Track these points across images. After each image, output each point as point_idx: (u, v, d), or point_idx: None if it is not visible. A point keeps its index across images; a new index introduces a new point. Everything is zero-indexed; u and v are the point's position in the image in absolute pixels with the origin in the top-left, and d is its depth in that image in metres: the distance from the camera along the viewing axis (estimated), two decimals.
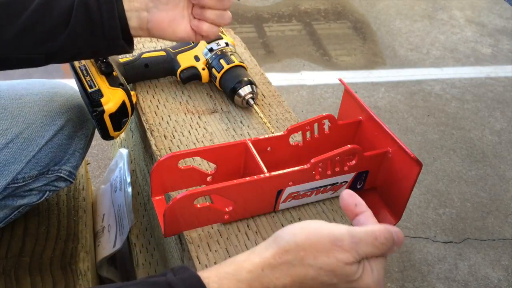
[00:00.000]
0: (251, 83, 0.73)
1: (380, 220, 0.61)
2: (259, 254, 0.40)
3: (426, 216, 1.46)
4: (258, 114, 0.72)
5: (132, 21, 0.58)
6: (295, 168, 0.53)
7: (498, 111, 1.96)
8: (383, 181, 0.60)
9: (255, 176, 0.52)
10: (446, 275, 1.30)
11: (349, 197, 0.44)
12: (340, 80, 0.66)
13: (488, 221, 1.47)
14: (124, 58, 0.76)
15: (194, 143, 0.68)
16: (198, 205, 0.51)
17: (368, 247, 0.40)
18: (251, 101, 0.73)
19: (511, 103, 2.02)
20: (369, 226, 0.42)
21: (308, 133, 0.61)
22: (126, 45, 0.58)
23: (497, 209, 1.51)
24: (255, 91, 0.74)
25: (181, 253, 0.59)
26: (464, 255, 1.36)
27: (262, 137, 0.59)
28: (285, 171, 0.53)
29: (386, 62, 2.21)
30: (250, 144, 0.57)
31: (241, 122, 0.72)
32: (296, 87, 1.98)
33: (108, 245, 0.84)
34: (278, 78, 2.02)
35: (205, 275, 0.38)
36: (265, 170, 0.53)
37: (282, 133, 0.59)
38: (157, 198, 0.58)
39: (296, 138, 0.62)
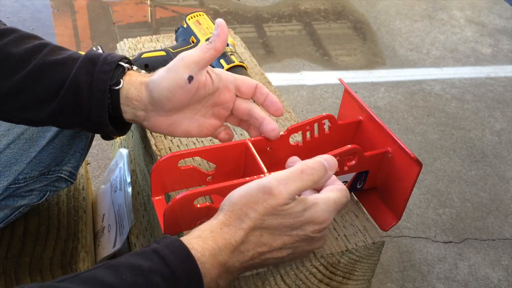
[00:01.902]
0: None
1: (380, 220, 0.61)
2: (214, 219, 0.46)
3: (426, 216, 1.46)
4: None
5: (127, 115, 0.55)
6: None
7: (498, 111, 1.96)
8: (383, 181, 0.61)
9: (255, 176, 0.52)
10: (446, 275, 1.30)
11: (290, 159, 0.52)
12: (340, 80, 0.66)
13: (488, 221, 1.47)
14: None
15: (194, 143, 0.68)
16: (198, 205, 0.51)
17: (297, 183, 0.45)
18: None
19: (511, 103, 2.02)
20: (296, 164, 0.47)
21: (308, 133, 0.61)
22: (115, 131, 0.56)
23: (497, 209, 1.51)
24: None
25: None
26: (464, 255, 1.36)
27: (262, 137, 0.59)
28: (285, 171, 0.53)
29: (386, 62, 2.21)
30: (250, 144, 0.57)
31: None
32: (296, 87, 1.98)
33: (108, 245, 0.84)
34: (278, 78, 2.02)
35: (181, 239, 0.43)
36: (265, 170, 0.53)
37: (282, 133, 0.59)
38: (157, 198, 0.58)
39: (296, 138, 0.62)
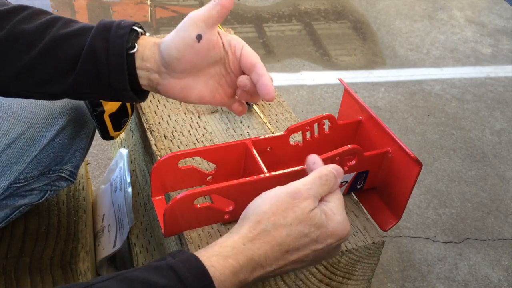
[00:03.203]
0: None
1: (380, 220, 0.61)
2: (236, 232, 0.44)
3: (426, 216, 1.46)
4: (258, 114, 0.72)
5: (142, 80, 0.55)
6: (295, 168, 0.53)
7: (498, 111, 1.96)
8: (383, 181, 0.61)
9: (255, 176, 0.52)
10: (446, 275, 1.30)
11: (310, 158, 0.51)
12: (340, 80, 0.66)
13: (488, 221, 1.47)
14: None
15: (194, 143, 0.68)
16: (198, 205, 0.51)
17: (319, 187, 0.46)
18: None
19: (511, 103, 2.02)
20: (313, 172, 0.48)
21: (308, 133, 0.61)
22: (135, 96, 0.56)
23: (497, 209, 1.51)
24: None
25: None
26: (464, 255, 1.36)
27: (262, 137, 0.59)
28: (285, 171, 0.53)
29: (386, 62, 2.21)
30: (250, 144, 0.57)
31: (241, 122, 0.72)
32: (296, 87, 1.98)
33: (108, 245, 0.84)
34: (278, 78, 2.02)
35: (198, 255, 0.42)
36: (265, 170, 0.53)
37: (282, 133, 0.59)
38: (157, 198, 0.58)
39: (296, 138, 0.62)
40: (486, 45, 2.41)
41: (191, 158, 0.63)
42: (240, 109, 0.58)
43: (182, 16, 2.17)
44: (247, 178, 0.51)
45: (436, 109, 1.93)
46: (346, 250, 0.55)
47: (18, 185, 0.67)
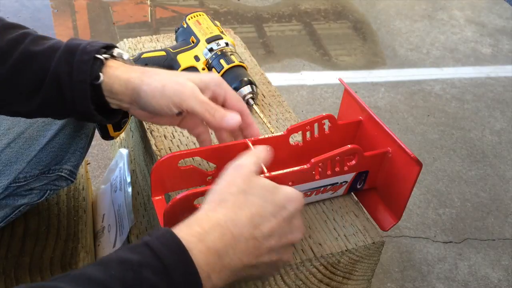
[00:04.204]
0: (251, 83, 0.73)
1: (380, 219, 0.61)
2: (199, 210, 0.46)
3: (426, 216, 1.46)
4: (258, 114, 0.72)
5: (113, 105, 0.55)
6: (295, 168, 0.53)
7: (498, 111, 1.96)
8: (383, 181, 0.61)
9: None
10: (446, 275, 1.30)
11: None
12: (340, 80, 0.66)
13: (488, 221, 1.47)
14: None
15: (194, 143, 0.68)
16: (199, 205, 0.51)
17: (253, 156, 0.50)
18: (251, 101, 0.73)
19: (511, 103, 2.02)
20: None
21: (308, 133, 0.61)
22: (104, 118, 0.55)
23: (497, 209, 1.51)
24: (255, 91, 0.74)
25: None
26: (464, 255, 1.36)
27: (262, 137, 0.59)
28: (285, 171, 0.53)
29: (386, 62, 2.21)
30: (250, 144, 0.57)
31: None
32: (296, 87, 1.98)
33: (108, 245, 0.84)
34: (278, 78, 2.02)
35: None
36: (265, 170, 0.53)
37: (282, 133, 0.59)
38: (157, 198, 0.58)
39: (296, 138, 0.62)
40: (486, 45, 2.41)
41: (191, 158, 0.63)
42: (205, 140, 0.60)
43: (181, 16, 2.17)
44: None
45: (436, 109, 1.93)
46: (346, 250, 0.55)
47: (17, 184, 0.67)
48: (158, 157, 0.65)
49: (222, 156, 0.58)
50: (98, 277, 0.37)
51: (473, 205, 1.52)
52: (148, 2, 2.49)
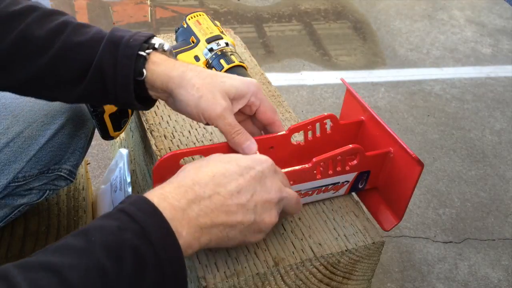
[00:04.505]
0: None
1: (381, 220, 0.61)
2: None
3: (426, 216, 1.46)
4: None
5: (153, 96, 0.57)
6: (297, 167, 0.53)
7: (498, 111, 1.96)
8: (384, 181, 0.61)
9: None
10: (446, 275, 1.30)
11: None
12: (342, 80, 0.66)
13: (488, 221, 1.47)
14: None
15: (194, 143, 0.68)
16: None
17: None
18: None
19: (511, 103, 2.02)
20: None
21: (310, 133, 0.61)
22: (143, 106, 0.57)
23: (497, 209, 1.51)
24: None
25: None
26: (464, 255, 1.36)
27: (264, 136, 0.59)
28: (286, 170, 0.53)
29: (386, 62, 2.21)
30: None
31: None
32: (296, 87, 1.98)
33: None
34: (278, 78, 2.02)
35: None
36: None
37: (284, 132, 0.59)
38: None
39: (297, 138, 0.62)
40: (486, 45, 2.41)
41: (191, 157, 0.63)
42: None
43: (181, 16, 2.17)
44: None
45: (436, 109, 1.93)
46: (346, 250, 0.55)
47: (16, 184, 0.67)
48: (158, 157, 0.65)
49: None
50: (80, 244, 0.37)
51: (473, 205, 1.52)
52: (148, 2, 2.49)
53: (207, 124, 0.56)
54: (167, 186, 0.45)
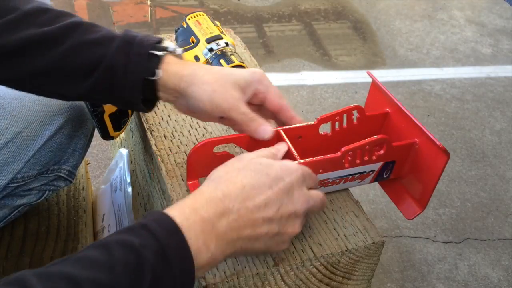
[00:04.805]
0: None
1: (404, 208, 0.63)
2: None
3: (426, 216, 1.46)
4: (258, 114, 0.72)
5: (162, 98, 0.57)
6: (327, 156, 0.55)
7: (498, 111, 1.96)
8: (409, 171, 0.62)
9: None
10: (446, 275, 1.30)
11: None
12: (368, 73, 0.67)
13: (488, 221, 1.47)
14: None
15: (194, 143, 0.68)
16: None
17: (262, 151, 0.53)
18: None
19: (511, 103, 2.02)
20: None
21: (337, 124, 0.63)
22: (146, 108, 0.58)
23: (497, 209, 1.51)
24: None
25: None
26: (464, 255, 1.36)
27: (293, 126, 0.60)
28: (317, 158, 0.54)
29: (386, 62, 2.21)
30: (282, 133, 0.58)
31: None
32: (296, 87, 1.98)
33: None
34: (278, 78, 2.02)
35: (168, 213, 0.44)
36: (298, 157, 0.54)
37: (313, 122, 0.61)
38: (190, 182, 0.60)
39: (323, 129, 0.63)
40: (486, 45, 2.41)
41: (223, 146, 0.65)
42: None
43: (181, 16, 2.17)
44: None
45: (436, 109, 1.93)
46: (346, 250, 0.55)
47: (15, 184, 0.67)
48: (158, 157, 0.65)
49: (255, 143, 0.59)
50: (101, 258, 0.38)
51: (473, 205, 1.52)
52: (148, 2, 2.49)
53: (221, 118, 0.56)
54: (199, 198, 0.45)
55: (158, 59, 0.54)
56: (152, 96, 0.56)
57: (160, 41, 0.56)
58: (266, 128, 0.57)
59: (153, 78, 0.54)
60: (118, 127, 0.72)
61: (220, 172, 0.48)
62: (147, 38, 0.55)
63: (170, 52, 0.56)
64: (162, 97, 0.57)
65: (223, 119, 0.57)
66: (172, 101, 0.58)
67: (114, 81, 0.54)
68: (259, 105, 0.60)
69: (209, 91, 0.55)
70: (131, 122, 0.88)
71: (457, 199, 1.53)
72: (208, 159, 0.58)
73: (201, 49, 0.77)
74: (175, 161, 0.64)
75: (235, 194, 0.45)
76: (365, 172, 0.60)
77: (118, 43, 0.54)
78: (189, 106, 0.57)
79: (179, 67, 0.55)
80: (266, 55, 2.17)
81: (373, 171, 0.60)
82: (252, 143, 0.60)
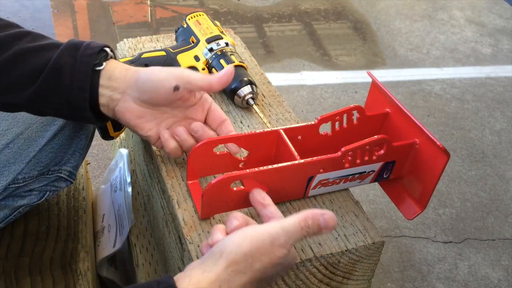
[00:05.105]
0: (251, 83, 0.73)
1: (404, 209, 0.63)
2: (211, 270, 0.44)
3: (426, 216, 1.46)
4: (258, 114, 0.72)
5: (103, 98, 0.56)
6: (327, 156, 0.55)
7: (498, 111, 1.96)
8: (409, 171, 0.62)
9: (290, 162, 0.54)
10: (446, 275, 1.30)
11: (257, 193, 0.53)
12: (368, 73, 0.67)
13: (488, 221, 1.47)
14: (124, 58, 0.76)
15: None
16: (235, 188, 0.53)
17: (297, 236, 0.46)
18: (251, 101, 0.73)
19: (511, 103, 2.02)
20: (296, 216, 0.47)
21: (337, 124, 0.63)
22: (93, 117, 0.57)
23: (497, 209, 1.51)
24: (255, 91, 0.74)
25: (181, 253, 0.59)
26: (464, 255, 1.36)
27: (293, 126, 0.60)
28: (317, 158, 0.54)
29: (386, 62, 2.21)
30: (283, 133, 0.59)
31: (241, 122, 0.72)
32: (296, 87, 1.98)
33: (108, 245, 0.84)
34: (278, 78, 2.02)
35: None
36: (298, 157, 0.55)
37: (313, 122, 0.61)
38: (190, 182, 0.60)
39: (324, 129, 0.63)
40: (486, 45, 2.41)
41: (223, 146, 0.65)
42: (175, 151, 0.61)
43: (181, 16, 2.17)
44: (283, 164, 0.53)
45: (436, 109, 1.93)
46: (346, 250, 0.55)
47: (16, 185, 0.67)
48: (158, 157, 0.65)
49: (255, 143, 0.60)
50: None
51: (473, 205, 1.52)
52: (148, 2, 2.49)
53: (176, 88, 0.56)
54: (203, 280, 0.43)
55: (106, 54, 0.56)
56: (94, 94, 0.56)
57: (107, 46, 0.58)
58: (228, 71, 0.57)
59: (99, 68, 0.55)
60: (118, 127, 0.73)
61: (245, 264, 0.45)
62: (94, 42, 0.56)
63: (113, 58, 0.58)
64: (103, 96, 0.56)
65: (177, 92, 0.56)
66: (115, 99, 0.57)
67: (60, 82, 0.54)
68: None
69: (159, 66, 0.57)
70: None
71: (457, 199, 1.53)
72: (208, 158, 0.59)
73: (201, 49, 0.77)
74: (175, 161, 0.64)
75: (236, 286, 0.44)
76: (365, 172, 0.60)
77: (64, 47, 0.55)
78: (139, 90, 0.56)
79: (125, 65, 0.57)
80: (266, 55, 2.17)
81: (373, 171, 0.61)
82: (252, 143, 0.60)
